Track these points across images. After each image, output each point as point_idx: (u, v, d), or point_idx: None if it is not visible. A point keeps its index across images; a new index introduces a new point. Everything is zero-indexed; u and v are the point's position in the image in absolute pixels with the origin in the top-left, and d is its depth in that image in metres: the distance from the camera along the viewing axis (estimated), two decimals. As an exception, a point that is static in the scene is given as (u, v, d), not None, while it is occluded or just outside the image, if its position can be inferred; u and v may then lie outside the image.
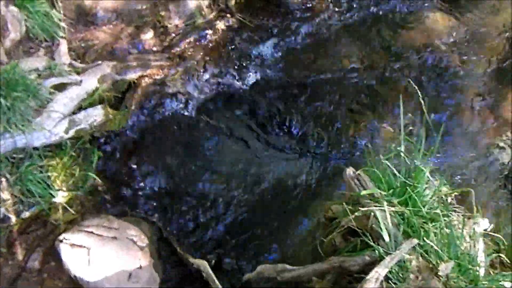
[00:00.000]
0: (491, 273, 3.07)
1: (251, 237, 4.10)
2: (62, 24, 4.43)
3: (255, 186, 4.41)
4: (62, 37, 4.38)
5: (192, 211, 4.21)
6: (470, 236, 3.11)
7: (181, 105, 4.75)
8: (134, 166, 4.38)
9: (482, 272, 2.92)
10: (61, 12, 4.46)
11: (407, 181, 3.15)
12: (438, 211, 3.06)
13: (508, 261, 3.25)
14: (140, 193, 4.28)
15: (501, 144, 4.74)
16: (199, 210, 4.23)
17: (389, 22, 5.53)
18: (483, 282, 2.83)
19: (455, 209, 3.34)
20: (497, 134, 4.84)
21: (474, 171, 4.48)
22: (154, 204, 4.24)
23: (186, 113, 4.75)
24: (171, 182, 4.36)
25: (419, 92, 3.28)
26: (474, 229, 3.17)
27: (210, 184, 4.39)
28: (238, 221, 4.17)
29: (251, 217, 4.22)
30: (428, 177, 3.22)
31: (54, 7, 4.39)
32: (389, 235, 2.90)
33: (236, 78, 5.01)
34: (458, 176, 4.41)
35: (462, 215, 3.24)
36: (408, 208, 3.05)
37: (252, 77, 5.07)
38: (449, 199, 3.39)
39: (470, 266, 2.86)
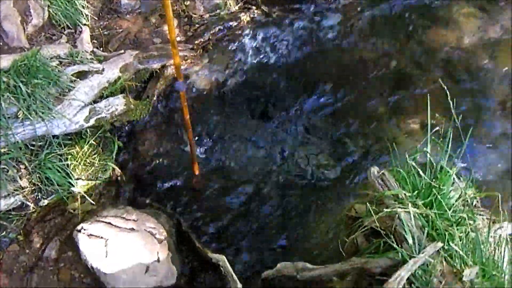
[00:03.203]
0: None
1: (271, 233, 4.07)
2: (85, 11, 4.43)
3: (277, 182, 4.36)
4: (85, 24, 4.39)
5: (212, 205, 4.19)
6: (495, 241, 3.04)
7: (204, 95, 4.72)
8: (154, 157, 4.37)
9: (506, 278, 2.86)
10: (85, -1, 4.46)
11: (432, 183, 3.09)
12: (463, 214, 2.99)
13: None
14: (159, 184, 4.27)
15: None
16: (219, 204, 4.20)
17: (420, 16, 5.39)
18: (508, 288, 2.78)
19: (480, 212, 3.28)
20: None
21: (500, 173, 4.39)
22: (174, 196, 4.23)
23: (208, 103, 4.73)
24: (191, 174, 4.32)
25: (447, 92, 3.21)
26: (500, 234, 3.09)
27: (231, 178, 4.36)
28: (258, 217, 4.14)
29: (272, 214, 4.18)
30: (453, 178, 3.16)
31: (78, -7, 4.38)
32: (413, 238, 2.85)
33: (259, 69, 4.97)
34: (483, 178, 4.32)
35: (487, 219, 3.18)
36: (433, 211, 2.98)
37: (275, 67, 5.03)
38: (474, 202, 3.32)
39: (495, 272, 2.80)
